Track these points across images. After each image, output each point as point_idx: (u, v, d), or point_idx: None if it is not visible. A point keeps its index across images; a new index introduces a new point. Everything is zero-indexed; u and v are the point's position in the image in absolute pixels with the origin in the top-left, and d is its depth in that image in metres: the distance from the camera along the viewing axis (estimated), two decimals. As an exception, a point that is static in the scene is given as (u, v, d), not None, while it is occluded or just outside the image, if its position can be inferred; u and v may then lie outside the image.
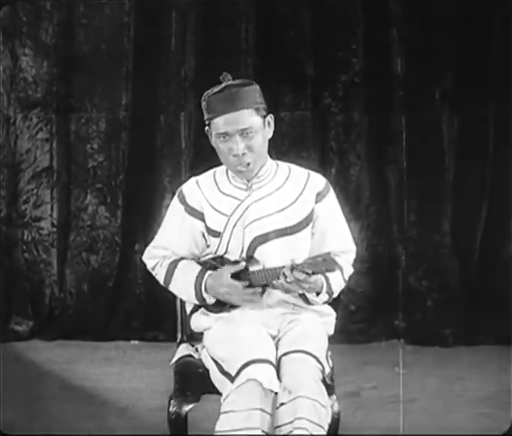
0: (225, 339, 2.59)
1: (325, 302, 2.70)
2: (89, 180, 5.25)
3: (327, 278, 2.63)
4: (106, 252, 5.26)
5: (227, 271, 2.63)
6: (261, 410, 2.44)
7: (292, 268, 2.51)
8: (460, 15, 4.96)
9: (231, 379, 2.48)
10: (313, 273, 2.51)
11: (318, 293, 2.64)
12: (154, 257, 2.77)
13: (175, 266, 2.72)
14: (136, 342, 5.07)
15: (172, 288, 2.75)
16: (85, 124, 5.23)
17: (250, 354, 2.47)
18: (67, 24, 5.18)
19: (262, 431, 2.44)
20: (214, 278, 2.65)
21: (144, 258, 2.81)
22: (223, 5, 5.04)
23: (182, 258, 2.74)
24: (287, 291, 2.59)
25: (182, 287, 2.72)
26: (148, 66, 5.18)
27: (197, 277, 2.67)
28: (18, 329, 5.17)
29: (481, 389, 4.07)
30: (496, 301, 4.87)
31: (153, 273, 2.79)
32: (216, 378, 2.58)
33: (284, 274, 2.52)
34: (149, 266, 2.80)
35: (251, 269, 2.61)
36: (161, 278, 2.76)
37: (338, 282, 2.69)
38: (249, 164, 2.63)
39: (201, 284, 2.66)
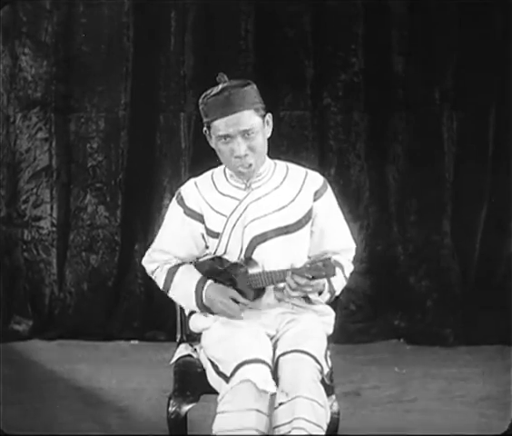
0: (221, 340, 2.58)
1: (327, 302, 2.70)
2: (88, 179, 5.25)
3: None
4: (106, 251, 5.25)
5: (231, 293, 2.63)
6: (257, 410, 2.44)
7: (293, 273, 2.51)
8: (460, 15, 4.96)
9: (227, 379, 2.48)
10: (313, 278, 2.51)
11: (320, 293, 2.64)
12: (154, 261, 2.76)
13: (175, 272, 2.72)
14: (136, 342, 5.06)
15: (172, 294, 2.75)
16: (85, 124, 5.22)
17: (244, 355, 2.47)
18: (67, 23, 5.17)
19: (258, 432, 2.44)
20: (215, 291, 2.65)
21: (144, 262, 2.80)
22: (223, 5, 5.04)
23: (182, 263, 2.73)
24: (291, 296, 2.58)
25: (182, 294, 2.72)
26: (147, 66, 5.18)
27: (197, 286, 2.67)
28: (18, 328, 5.16)
29: (481, 389, 4.07)
30: (496, 301, 4.86)
31: (153, 278, 2.77)
32: (212, 378, 2.58)
33: (287, 282, 2.52)
34: (148, 270, 2.79)
35: (250, 271, 2.61)
36: (160, 283, 2.75)
37: (339, 280, 2.69)
38: (250, 165, 2.62)
39: (201, 294, 2.66)
